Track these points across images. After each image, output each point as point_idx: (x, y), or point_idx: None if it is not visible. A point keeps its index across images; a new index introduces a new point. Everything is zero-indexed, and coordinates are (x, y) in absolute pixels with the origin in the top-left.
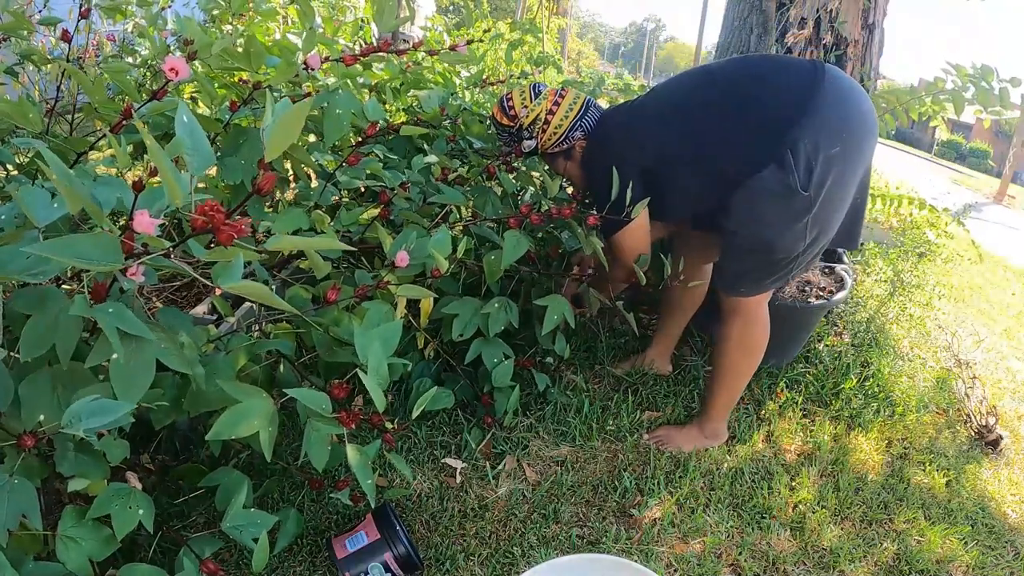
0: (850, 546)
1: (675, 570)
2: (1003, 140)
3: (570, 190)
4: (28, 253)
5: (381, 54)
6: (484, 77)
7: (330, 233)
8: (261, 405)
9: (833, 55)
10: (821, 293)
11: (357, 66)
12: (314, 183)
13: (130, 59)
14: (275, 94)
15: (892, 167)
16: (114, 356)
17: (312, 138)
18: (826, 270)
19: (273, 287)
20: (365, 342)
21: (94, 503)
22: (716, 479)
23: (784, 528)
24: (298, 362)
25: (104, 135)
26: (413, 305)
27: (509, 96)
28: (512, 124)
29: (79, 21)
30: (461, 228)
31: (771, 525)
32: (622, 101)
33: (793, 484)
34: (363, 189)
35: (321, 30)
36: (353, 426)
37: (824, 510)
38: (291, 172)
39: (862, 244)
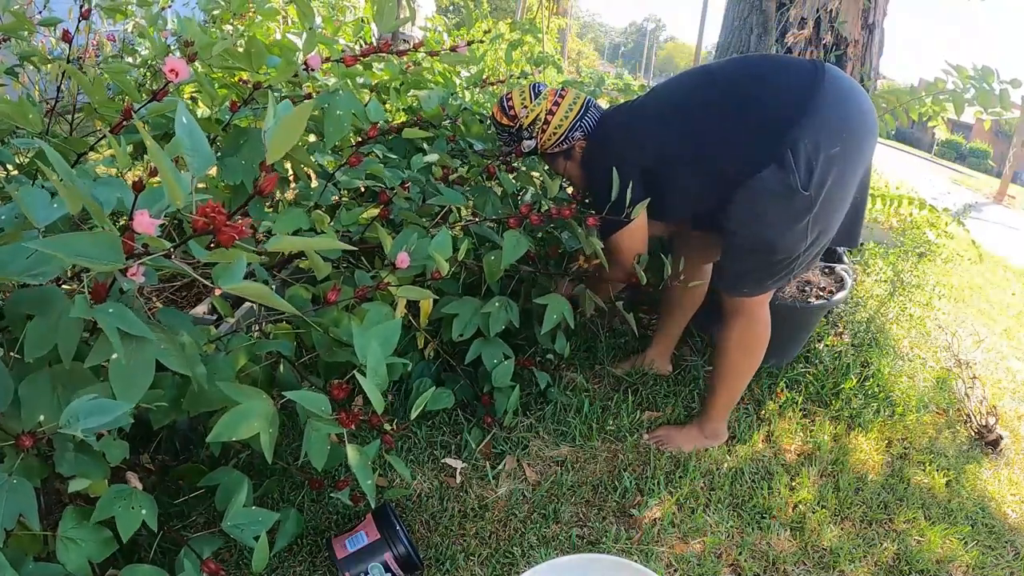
0: (850, 546)
1: (675, 570)
2: (1003, 140)
3: (570, 190)
4: (28, 253)
5: (381, 54)
6: (484, 77)
7: (330, 233)
8: (261, 406)
9: (833, 55)
10: (821, 293)
11: (357, 66)
12: (314, 183)
13: (130, 59)
14: (275, 94)
15: (892, 167)
16: (114, 356)
17: (312, 138)
18: (826, 270)
19: (273, 287)
20: (364, 342)
21: (97, 506)
22: (716, 479)
23: (784, 528)
24: (298, 362)
25: (104, 135)
26: (413, 305)
27: (509, 96)
28: (512, 124)
29: (79, 21)
30: (461, 228)
31: (771, 525)
32: (622, 101)
33: (793, 484)
34: (363, 189)
35: (321, 30)
36: (353, 426)
37: (824, 510)
38: (291, 172)
39: (862, 244)
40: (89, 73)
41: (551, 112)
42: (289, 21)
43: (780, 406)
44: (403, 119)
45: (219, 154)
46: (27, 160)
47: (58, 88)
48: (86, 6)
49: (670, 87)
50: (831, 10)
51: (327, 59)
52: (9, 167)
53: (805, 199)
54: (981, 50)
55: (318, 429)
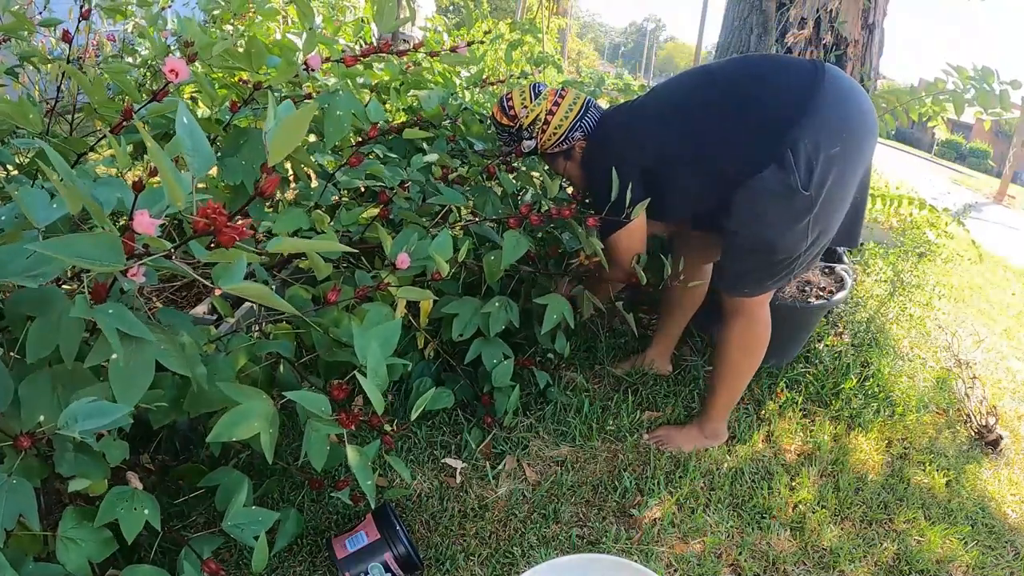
0: (850, 546)
1: (675, 570)
2: (1003, 140)
3: (570, 190)
4: (28, 254)
5: (381, 54)
6: (484, 77)
7: (330, 233)
8: (261, 407)
9: (833, 55)
10: (821, 293)
11: (357, 66)
12: (314, 183)
13: (130, 59)
14: (276, 95)
15: (892, 167)
16: (114, 356)
17: (312, 138)
18: (826, 270)
19: (273, 287)
20: (364, 343)
21: (100, 509)
22: (716, 479)
23: (784, 528)
24: (298, 363)
25: (104, 135)
26: (413, 305)
27: (509, 96)
28: (512, 124)
29: (79, 21)
30: (461, 228)
31: (771, 525)
32: (622, 101)
33: (793, 484)
34: (363, 189)
35: (321, 30)
36: (353, 427)
37: (824, 510)
38: (291, 172)
39: (862, 244)
40: (89, 73)
41: (551, 112)
42: (289, 21)
43: (780, 406)
44: (403, 119)
45: (219, 154)
46: (27, 160)
47: (58, 88)
48: (86, 6)
49: (670, 87)
50: (831, 10)
51: (327, 59)
52: (9, 167)
53: (805, 199)
54: (981, 50)
55: (318, 429)
